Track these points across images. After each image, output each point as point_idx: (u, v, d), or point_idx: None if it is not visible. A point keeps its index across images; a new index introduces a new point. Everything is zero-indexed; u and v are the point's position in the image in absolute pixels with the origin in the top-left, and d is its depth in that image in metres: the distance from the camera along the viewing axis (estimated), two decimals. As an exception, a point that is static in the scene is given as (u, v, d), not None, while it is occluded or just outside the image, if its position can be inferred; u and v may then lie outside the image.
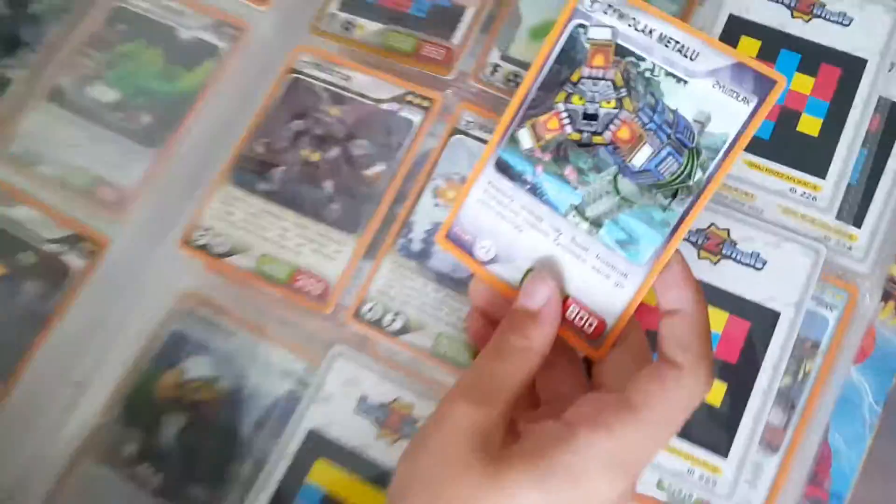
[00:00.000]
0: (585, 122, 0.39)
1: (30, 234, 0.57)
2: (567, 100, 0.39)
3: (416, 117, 0.56)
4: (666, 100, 0.38)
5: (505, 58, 0.56)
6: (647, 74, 0.38)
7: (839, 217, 0.50)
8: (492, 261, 0.41)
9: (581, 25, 0.39)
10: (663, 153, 0.38)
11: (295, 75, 0.59)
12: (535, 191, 0.40)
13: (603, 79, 0.39)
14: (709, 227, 0.50)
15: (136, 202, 0.57)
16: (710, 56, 0.37)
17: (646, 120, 0.38)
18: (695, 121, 0.37)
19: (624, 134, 0.38)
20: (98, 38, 0.63)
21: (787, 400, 0.47)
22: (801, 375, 0.48)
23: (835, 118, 0.51)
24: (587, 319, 0.39)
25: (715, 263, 0.50)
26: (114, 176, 0.58)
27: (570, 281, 0.39)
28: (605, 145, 0.39)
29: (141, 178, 0.58)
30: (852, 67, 0.52)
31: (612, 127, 0.38)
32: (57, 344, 0.55)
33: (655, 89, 0.38)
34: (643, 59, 0.38)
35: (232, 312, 0.54)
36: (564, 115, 0.39)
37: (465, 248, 0.41)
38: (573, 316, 0.39)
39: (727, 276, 0.49)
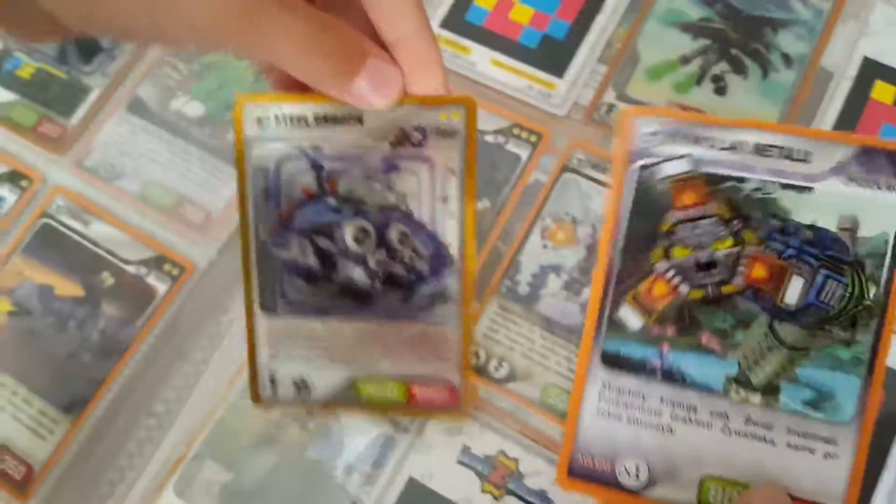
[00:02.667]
0: (703, 273, 0.32)
1: (108, 254, 0.54)
2: (667, 255, 0.32)
3: (523, 152, 0.53)
4: (795, 217, 0.31)
5: (621, 97, 0.54)
6: (759, 195, 0.31)
7: None
8: (647, 484, 0.32)
9: (645, 167, 0.32)
10: (819, 279, 0.31)
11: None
12: (671, 376, 0.32)
13: (704, 217, 0.32)
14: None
15: (224, 224, 0.54)
16: (825, 151, 0.31)
17: (780, 247, 0.31)
18: (840, 229, 0.31)
19: (760, 272, 0.31)
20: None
21: None
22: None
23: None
24: None
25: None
26: (199, 195, 0.55)
27: (764, 474, 0.31)
28: (741, 293, 0.31)
29: (229, 199, 0.55)
30: None
31: (741, 269, 0.31)
32: (136, 373, 0.52)
33: (777, 209, 0.31)
34: (745, 180, 0.31)
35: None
36: (671, 273, 0.32)
37: (605, 480, 0.32)
38: None
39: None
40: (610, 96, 0.54)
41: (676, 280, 0.32)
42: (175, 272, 0.53)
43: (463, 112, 0.34)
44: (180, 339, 0.53)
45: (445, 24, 0.58)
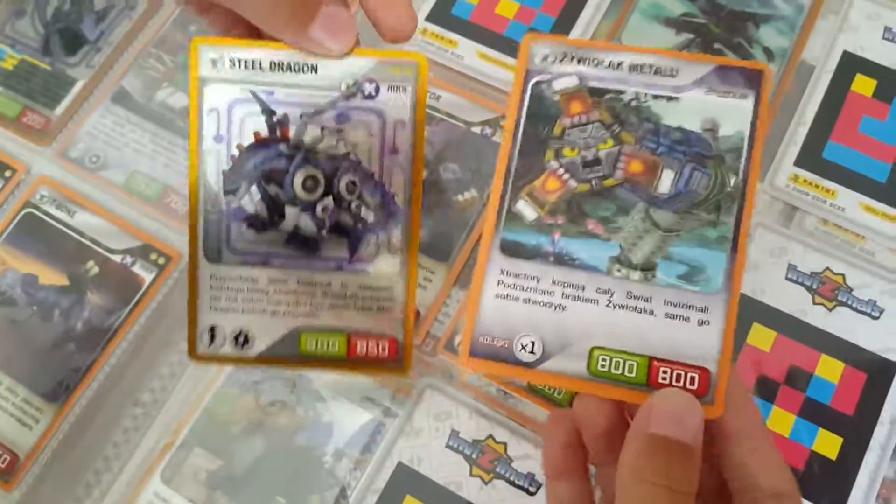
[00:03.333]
0: (588, 169, 0.35)
1: (93, 243, 0.54)
2: (558, 155, 0.35)
3: (511, 141, 0.53)
4: (665, 121, 0.35)
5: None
6: (634, 103, 0.35)
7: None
8: (542, 358, 0.34)
9: (539, 83, 0.36)
10: (686, 171, 0.35)
11: (380, 90, 0.56)
12: (562, 259, 0.34)
13: (589, 122, 0.36)
14: (824, 270, 0.48)
15: (210, 214, 0.54)
16: (689, 69, 0.35)
17: (653, 146, 0.35)
18: (704, 130, 0.35)
19: (637, 167, 0.35)
20: (167, 39, 0.60)
21: (905, 456, 0.45)
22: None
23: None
24: (686, 376, 0.33)
25: (830, 310, 0.48)
26: (185, 185, 0.55)
27: (646, 342, 0.33)
28: (621, 185, 0.35)
29: (215, 190, 0.55)
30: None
31: (620, 165, 0.35)
32: (121, 362, 0.52)
33: (649, 114, 0.35)
34: (623, 92, 0.35)
35: (311, 336, 0.51)
36: (561, 170, 0.35)
37: (503, 357, 0.34)
38: (668, 379, 0.33)
39: (843, 324, 0.47)
40: (596, 87, 0.54)
41: (566, 176, 0.35)
42: (161, 261, 0.53)
43: (415, 69, 0.36)
44: (166, 328, 0.52)
45: (432, 18, 0.58)
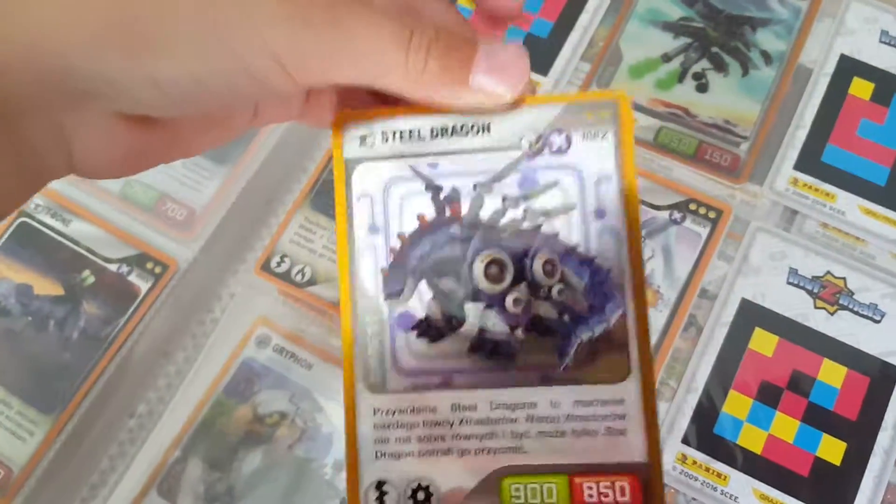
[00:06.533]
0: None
1: (88, 252, 0.53)
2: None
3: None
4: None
5: (606, 89, 0.54)
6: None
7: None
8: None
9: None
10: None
11: (376, 96, 0.56)
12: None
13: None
14: (825, 274, 0.48)
15: (206, 222, 0.54)
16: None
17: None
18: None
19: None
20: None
21: (909, 460, 0.45)
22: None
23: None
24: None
25: (832, 314, 0.47)
26: (181, 193, 0.55)
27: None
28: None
29: (211, 197, 0.54)
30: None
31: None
32: (117, 373, 0.51)
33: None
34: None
35: (309, 343, 0.50)
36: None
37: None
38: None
39: (845, 328, 0.47)
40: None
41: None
42: (157, 270, 0.53)
43: (614, 108, 0.28)
44: (163, 339, 0.52)
45: (428, 24, 0.58)
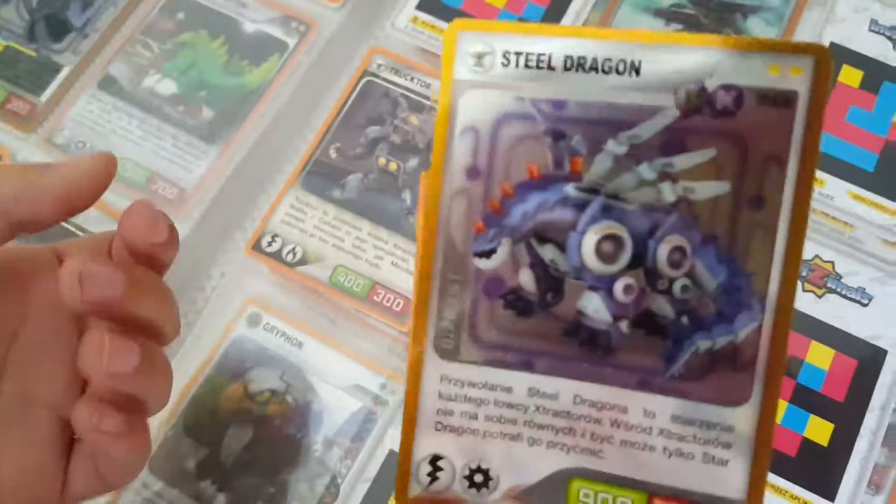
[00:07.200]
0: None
1: (79, 230, 0.53)
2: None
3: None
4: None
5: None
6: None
7: (946, 255, 0.49)
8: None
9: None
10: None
11: (369, 78, 0.56)
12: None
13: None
14: (813, 258, 0.49)
15: (197, 201, 0.54)
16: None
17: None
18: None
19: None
20: (154, 26, 0.59)
21: (895, 440, 0.46)
22: (909, 416, 0.46)
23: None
24: None
25: (820, 297, 0.48)
26: (172, 172, 0.55)
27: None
28: None
29: (202, 176, 0.54)
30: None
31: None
32: (108, 349, 0.51)
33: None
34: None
35: (300, 322, 0.50)
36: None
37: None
38: None
39: (833, 311, 0.48)
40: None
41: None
42: (149, 249, 0.52)
43: (810, 67, 0.22)
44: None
45: (422, 7, 0.58)
